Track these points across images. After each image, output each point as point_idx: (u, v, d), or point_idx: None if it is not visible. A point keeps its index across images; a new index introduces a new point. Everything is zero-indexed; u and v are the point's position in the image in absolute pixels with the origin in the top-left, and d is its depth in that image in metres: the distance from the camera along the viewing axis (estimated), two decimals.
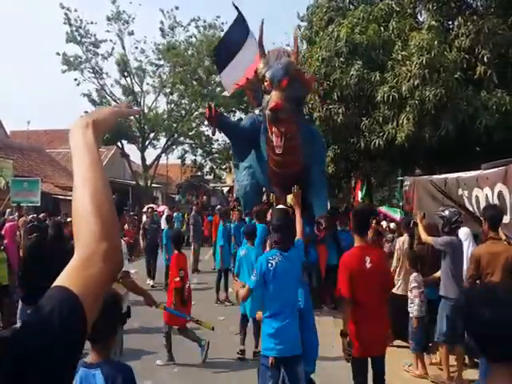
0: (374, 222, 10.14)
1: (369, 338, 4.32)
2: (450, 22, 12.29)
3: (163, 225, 14.18)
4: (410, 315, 6.21)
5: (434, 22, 11.23)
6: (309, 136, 9.32)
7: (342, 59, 12.26)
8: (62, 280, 0.93)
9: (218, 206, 16.74)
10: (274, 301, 4.24)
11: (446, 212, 6.11)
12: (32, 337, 0.84)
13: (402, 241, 7.31)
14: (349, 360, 4.35)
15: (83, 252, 0.98)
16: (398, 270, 7.15)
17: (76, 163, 1.10)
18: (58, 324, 0.85)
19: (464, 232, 6.44)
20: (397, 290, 7.01)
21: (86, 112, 27.77)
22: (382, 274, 4.54)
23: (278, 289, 4.20)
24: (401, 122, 11.02)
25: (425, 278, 6.32)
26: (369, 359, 4.44)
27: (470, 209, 6.74)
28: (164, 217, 15.11)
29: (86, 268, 0.95)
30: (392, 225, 10.23)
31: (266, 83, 8.47)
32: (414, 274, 6.35)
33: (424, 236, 6.42)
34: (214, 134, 11.01)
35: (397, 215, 9.97)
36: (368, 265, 4.35)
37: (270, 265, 4.19)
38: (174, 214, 18.41)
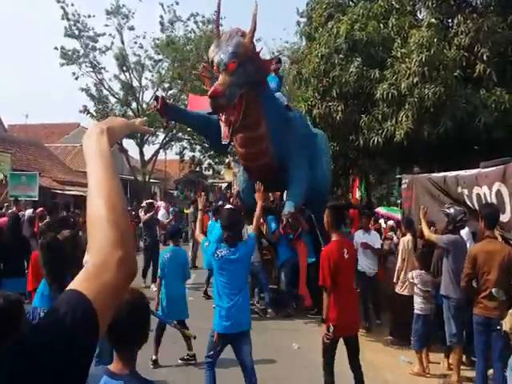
0: (372, 221, 10.20)
1: (348, 320, 4.96)
2: (450, 20, 12.28)
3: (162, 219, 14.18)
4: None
5: (433, 20, 11.22)
6: (282, 124, 8.59)
7: (341, 56, 12.24)
8: (77, 284, 0.94)
9: (220, 203, 16.61)
10: (222, 286, 4.94)
11: (451, 210, 6.08)
12: (46, 337, 0.86)
13: (406, 241, 7.22)
14: (327, 344, 4.88)
15: (98, 258, 0.99)
16: (402, 270, 7.09)
17: (90, 168, 1.10)
18: (71, 327, 0.87)
19: (464, 232, 6.41)
20: (402, 290, 7.01)
21: (85, 106, 27.93)
22: (354, 263, 5.43)
23: (224, 276, 4.92)
24: (400, 119, 11.02)
25: (433, 279, 6.32)
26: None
27: (471, 206, 6.72)
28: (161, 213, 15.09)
29: (100, 274, 0.96)
30: (390, 222, 10.24)
31: (214, 68, 7.49)
32: (417, 272, 6.36)
33: (427, 233, 6.40)
34: (164, 126, 10.65)
35: (398, 214, 9.97)
36: (346, 255, 4.95)
37: (216, 255, 4.92)
38: (170, 208, 18.44)
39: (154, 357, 6.32)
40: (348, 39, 11.86)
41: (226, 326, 4.84)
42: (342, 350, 5.03)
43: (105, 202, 1.03)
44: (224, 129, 7.31)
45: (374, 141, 11.31)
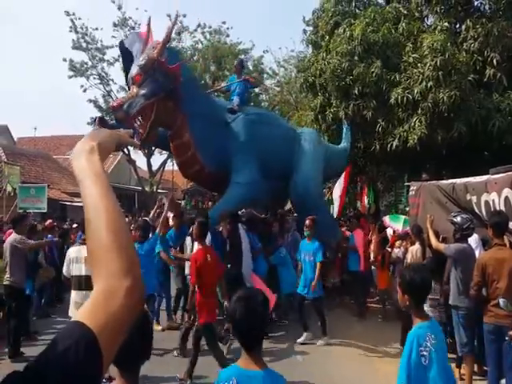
0: (377, 228, 10.12)
1: (208, 309, 6.10)
2: (458, 26, 12.25)
3: None
4: None
5: (446, 24, 11.18)
6: (219, 128, 8.50)
7: (356, 58, 12.10)
8: (81, 315, 0.90)
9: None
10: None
11: (458, 218, 6.00)
12: (45, 374, 0.81)
13: (415, 250, 7.09)
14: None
15: (104, 287, 0.94)
16: None
17: (85, 189, 1.05)
18: (73, 365, 0.82)
19: (474, 239, 6.32)
20: None
21: (93, 118, 28.06)
22: (216, 266, 6.43)
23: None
24: (413, 124, 10.91)
25: (441, 287, 6.24)
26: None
27: (479, 214, 6.64)
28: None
29: (106, 304, 0.91)
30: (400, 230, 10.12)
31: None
32: None
33: (435, 242, 6.32)
34: (139, 148, 10.65)
35: (399, 224, 9.84)
36: (209, 259, 6.20)
37: None
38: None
39: None
40: (363, 41, 11.75)
41: None
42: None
43: (106, 226, 0.98)
44: (136, 138, 7.31)
45: (391, 145, 11.25)
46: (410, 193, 8.48)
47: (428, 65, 10.63)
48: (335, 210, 12.45)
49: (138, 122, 7.45)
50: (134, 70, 7.52)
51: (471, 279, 5.30)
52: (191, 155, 8.24)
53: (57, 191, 21.40)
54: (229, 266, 7.90)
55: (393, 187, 18.76)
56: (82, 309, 0.91)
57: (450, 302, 5.91)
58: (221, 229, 8.33)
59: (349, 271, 10.19)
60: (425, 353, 2.70)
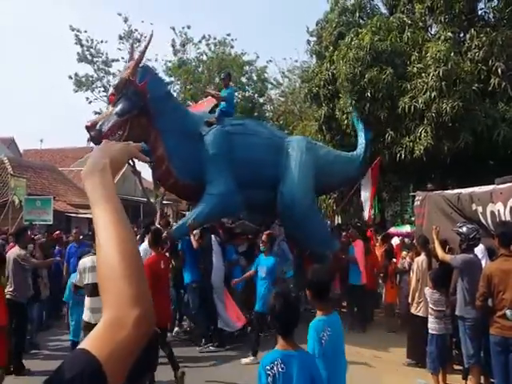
0: (379, 239, 10.05)
1: (162, 314, 6.00)
2: (462, 35, 12.26)
3: None
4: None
5: (450, 33, 11.17)
6: (193, 142, 8.62)
7: (365, 67, 12.08)
8: (88, 342, 0.87)
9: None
10: None
11: (464, 228, 5.96)
12: None
13: (421, 261, 7.03)
14: None
15: (113, 315, 0.91)
16: (417, 291, 6.91)
17: (98, 211, 1.02)
18: None
19: (480, 249, 6.27)
20: (418, 311, 6.86)
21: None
22: (168, 272, 7.12)
23: None
24: (418, 134, 10.90)
25: (447, 299, 6.19)
26: None
27: (485, 224, 6.60)
28: None
29: (114, 333, 0.88)
30: (406, 240, 10.11)
31: None
32: (429, 291, 6.24)
33: (441, 254, 6.28)
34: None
35: (405, 228, 9.83)
36: (162, 266, 6.67)
37: None
38: None
39: None
40: (372, 50, 11.74)
41: None
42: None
43: (118, 252, 0.95)
44: None
45: (400, 155, 11.22)
46: (416, 203, 8.45)
47: (431, 75, 10.63)
48: (365, 214, 11.77)
49: (113, 140, 7.73)
50: (109, 91, 8.23)
51: (477, 290, 5.26)
52: (165, 169, 8.47)
53: (62, 203, 21.45)
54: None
55: (398, 197, 18.72)
56: (88, 337, 0.89)
57: (457, 313, 5.86)
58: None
59: (350, 285, 9.51)
60: (322, 341, 3.26)
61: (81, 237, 11.73)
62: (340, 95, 13.02)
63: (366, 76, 11.55)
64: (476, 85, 10.66)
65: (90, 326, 5.79)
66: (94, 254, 6.11)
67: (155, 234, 6.98)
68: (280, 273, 8.49)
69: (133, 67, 8.11)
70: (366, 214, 11.49)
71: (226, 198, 8.44)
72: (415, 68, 11.31)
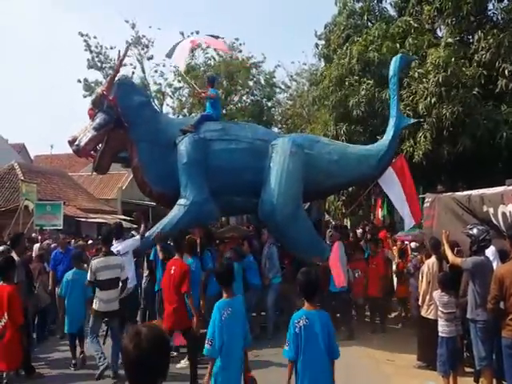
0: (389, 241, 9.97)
1: (171, 318, 6.45)
2: (470, 37, 12.22)
3: None
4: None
5: (450, 39, 11.19)
6: (167, 151, 8.67)
7: (355, 77, 12.28)
8: None
9: None
10: None
11: (474, 230, 5.87)
12: None
13: (431, 263, 6.93)
14: None
15: None
16: (428, 293, 6.83)
17: None
18: None
19: (491, 251, 6.20)
20: (428, 313, 6.80)
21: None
22: (176, 277, 6.51)
23: None
24: (418, 140, 10.94)
25: (457, 301, 6.15)
26: None
27: (497, 225, 6.53)
28: None
29: None
30: (413, 244, 10.02)
31: None
32: (438, 293, 6.20)
33: (451, 257, 6.23)
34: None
35: (413, 232, 9.74)
36: (172, 271, 6.51)
37: None
38: None
39: None
40: (360, 60, 11.91)
41: None
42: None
43: None
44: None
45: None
46: (425, 204, 8.40)
47: (431, 81, 10.67)
48: (406, 217, 9.28)
49: (93, 152, 8.63)
50: (88, 107, 8.70)
51: (488, 292, 5.21)
52: (141, 178, 8.79)
53: (72, 208, 21.57)
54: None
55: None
56: None
57: (468, 316, 5.80)
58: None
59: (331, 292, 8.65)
60: (297, 325, 4.08)
61: (80, 242, 11.75)
62: None
63: (348, 99, 12.13)
64: (477, 89, 10.67)
65: (98, 313, 6.87)
66: (104, 255, 7.06)
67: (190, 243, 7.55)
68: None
69: (108, 82, 8.69)
70: (408, 221, 9.27)
71: (196, 206, 8.42)
72: (416, 73, 11.34)
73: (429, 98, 10.72)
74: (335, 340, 4.19)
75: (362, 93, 11.88)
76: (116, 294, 6.95)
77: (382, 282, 9.25)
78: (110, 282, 6.88)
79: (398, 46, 12.19)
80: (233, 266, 5.11)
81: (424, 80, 11.07)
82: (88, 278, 7.04)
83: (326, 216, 16.75)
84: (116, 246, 7.76)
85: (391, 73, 9.36)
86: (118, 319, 7.02)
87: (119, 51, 9.49)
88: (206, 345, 4.36)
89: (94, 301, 6.91)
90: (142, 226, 8.91)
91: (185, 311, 6.53)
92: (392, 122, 9.35)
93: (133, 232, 10.67)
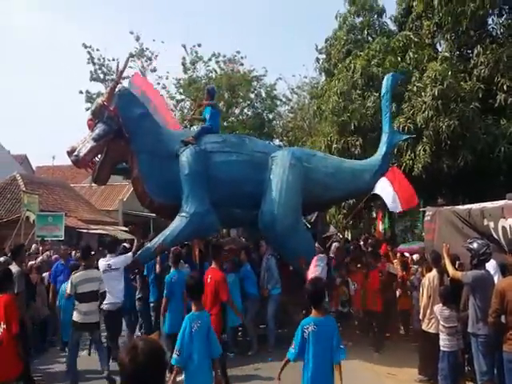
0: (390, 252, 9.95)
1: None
2: (470, 52, 12.34)
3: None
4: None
5: (447, 54, 11.34)
6: (169, 162, 8.67)
7: (358, 91, 12.40)
8: None
9: None
10: None
11: (474, 244, 5.90)
12: None
13: (432, 277, 6.93)
14: None
15: None
16: (428, 307, 6.81)
17: None
18: None
19: (492, 265, 6.22)
20: (429, 327, 6.79)
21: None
22: (213, 285, 6.79)
23: None
24: (417, 152, 11.01)
25: (458, 315, 6.15)
26: None
27: (497, 239, 6.55)
28: None
29: None
30: (415, 256, 10.03)
31: None
32: (439, 307, 6.21)
33: (451, 271, 6.24)
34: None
35: (415, 245, 9.76)
36: (209, 280, 6.77)
37: None
38: None
39: None
40: (364, 75, 12.03)
41: None
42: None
43: None
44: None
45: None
46: (426, 218, 8.43)
47: (428, 94, 10.78)
48: (389, 200, 9.03)
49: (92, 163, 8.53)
50: (87, 119, 8.61)
51: (489, 306, 5.22)
52: (141, 189, 8.67)
53: (73, 219, 21.60)
54: None
55: (408, 212, 18.64)
56: None
57: (469, 330, 5.81)
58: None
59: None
60: (305, 331, 4.36)
61: (77, 254, 11.59)
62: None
63: (349, 108, 12.16)
64: (476, 103, 10.75)
65: (77, 324, 7.06)
66: (84, 269, 7.30)
67: (216, 249, 7.54)
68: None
69: (108, 93, 8.59)
70: (392, 205, 9.10)
71: (198, 218, 8.37)
72: (415, 87, 11.46)
73: (426, 112, 10.82)
74: (341, 343, 4.41)
75: (369, 105, 11.93)
76: (95, 306, 7.19)
77: (379, 295, 9.09)
78: (90, 295, 7.14)
79: (399, 59, 12.31)
80: (201, 279, 5.44)
81: (422, 93, 11.18)
82: (68, 291, 7.32)
83: (332, 228, 16.66)
84: (108, 260, 7.84)
85: (383, 90, 9.63)
86: (99, 331, 7.32)
87: (118, 63, 9.20)
88: (174, 355, 4.59)
89: (74, 313, 7.15)
90: (135, 242, 8.67)
91: (220, 318, 6.89)
92: (385, 137, 9.55)
93: (124, 244, 10.66)
